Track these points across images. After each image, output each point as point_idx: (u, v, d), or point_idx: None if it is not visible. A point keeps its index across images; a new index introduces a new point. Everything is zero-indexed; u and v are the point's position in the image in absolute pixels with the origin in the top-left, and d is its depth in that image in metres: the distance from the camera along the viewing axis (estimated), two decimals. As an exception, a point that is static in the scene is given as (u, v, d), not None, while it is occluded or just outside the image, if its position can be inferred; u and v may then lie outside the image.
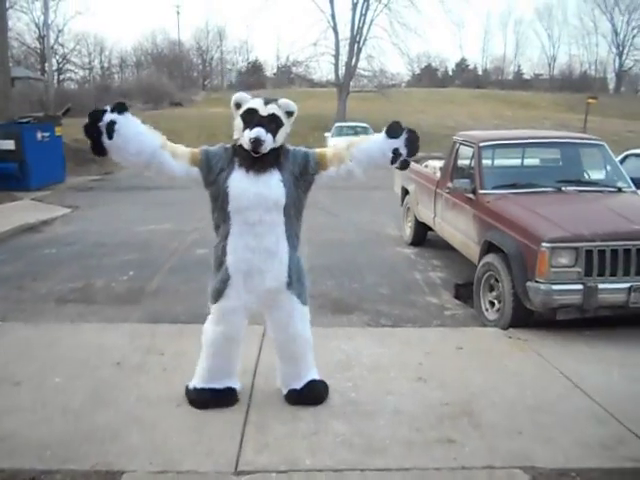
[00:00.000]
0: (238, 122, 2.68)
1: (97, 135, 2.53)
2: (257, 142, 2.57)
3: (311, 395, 2.99)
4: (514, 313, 4.23)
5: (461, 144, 5.88)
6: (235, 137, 2.74)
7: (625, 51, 47.95)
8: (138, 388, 3.09)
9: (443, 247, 7.12)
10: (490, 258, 4.57)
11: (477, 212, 5.01)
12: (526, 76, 58.96)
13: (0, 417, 2.77)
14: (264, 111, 2.62)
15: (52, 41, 38.78)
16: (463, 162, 5.81)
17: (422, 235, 7.32)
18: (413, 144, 2.84)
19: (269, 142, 2.61)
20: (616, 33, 47.53)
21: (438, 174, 6.46)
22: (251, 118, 2.61)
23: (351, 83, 27.90)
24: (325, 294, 5.43)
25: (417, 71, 54.18)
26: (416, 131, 2.87)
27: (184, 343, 3.71)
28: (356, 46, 26.77)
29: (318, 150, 2.95)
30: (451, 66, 60.35)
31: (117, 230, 8.07)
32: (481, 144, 5.36)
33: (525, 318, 4.27)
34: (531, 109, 36.17)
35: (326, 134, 19.77)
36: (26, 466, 2.41)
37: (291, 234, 2.80)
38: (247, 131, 2.60)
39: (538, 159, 5.89)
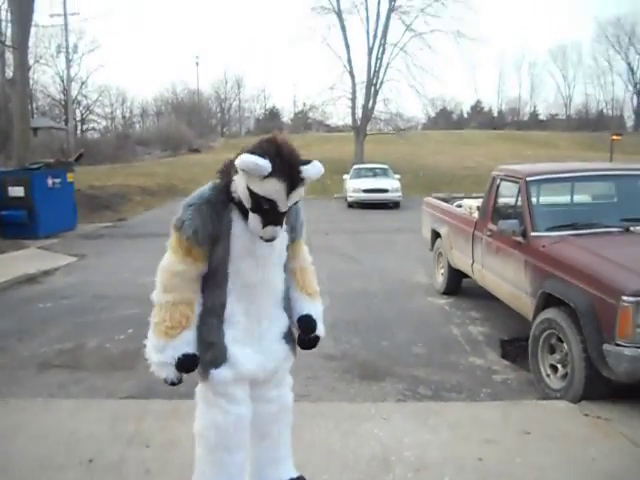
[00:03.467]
0: (244, 191, 1.89)
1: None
2: (270, 240, 1.96)
3: None
4: (587, 383, 3.40)
5: (503, 180, 5.16)
6: (234, 195, 1.95)
7: (642, 89, 47.27)
8: (109, 501, 2.33)
9: (481, 296, 6.33)
10: (551, 313, 3.77)
11: (530, 258, 4.24)
12: (542, 117, 58.55)
13: None
14: (285, 206, 1.90)
15: (76, 93, 39.80)
16: (506, 201, 5.08)
17: (456, 283, 6.53)
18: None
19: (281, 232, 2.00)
20: (632, 71, 47.10)
21: (476, 214, 5.73)
22: (267, 211, 1.89)
23: (368, 126, 27.61)
24: (350, 355, 4.65)
25: (432, 114, 54.25)
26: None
27: (177, 428, 2.95)
28: (373, 89, 26.56)
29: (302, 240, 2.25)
30: (466, 109, 60.38)
31: (121, 281, 7.42)
32: (528, 179, 4.63)
33: (601, 389, 3.43)
34: (551, 148, 35.53)
35: (344, 176, 19.23)
36: None
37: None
38: (257, 223, 1.91)
39: (592, 195, 5.13)
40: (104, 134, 43.21)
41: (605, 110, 52.37)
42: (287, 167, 1.83)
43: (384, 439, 2.91)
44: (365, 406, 3.40)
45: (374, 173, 18.94)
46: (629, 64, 46.87)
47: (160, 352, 1.97)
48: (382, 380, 4.12)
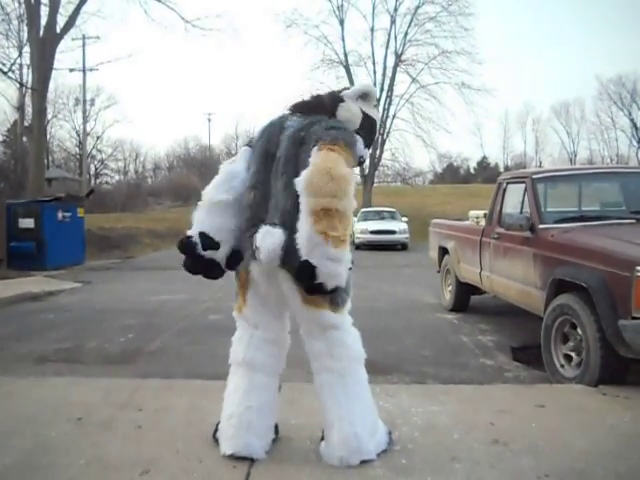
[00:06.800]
0: (357, 112, 2.29)
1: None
2: None
3: None
4: (604, 364, 3.23)
5: (508, 183, 5.14)
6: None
7: (646, 144, 47.59)
8: (95, 449, 2.18)
9: (490, 312, 6.21)
10: (563, 299, 3.64)
11: (539, 250, 4.14)
12: (549, 172, 58.88)
13: None
14: None
15: (91, 147, 40.87)
16: (513, 203, 5.04)
17: (465, 299, 6.38)
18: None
19: None
20: (635, 127, 47.49)
21: (482, 222, 5.68)
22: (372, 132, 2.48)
23: (375, 178, 28.01)
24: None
25: (439, 170, 54.73)
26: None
27: (171, 398, 2.82)
28: (380, 138, 27.15)
29: None
30: (472, 164, 61.02)
31: (125, 300, 7.34)
32: (534, 176, 4.61)
33: (619, 371, 3.26)
34: (559, 200, 35.65)
35: (352, 219, 19.24)
36: None
37: None
38: (361, 144, 2.33)
39: (598, 193, 5.09)
40: (116, 187, 43.93)
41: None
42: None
43: (390, 409, 2.75)
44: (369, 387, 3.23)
45: (381, 216, 18.90)
46: (632, 120, 47.25)
47: (343, 264, 1.99)
48: (389, 374, 3.95)
